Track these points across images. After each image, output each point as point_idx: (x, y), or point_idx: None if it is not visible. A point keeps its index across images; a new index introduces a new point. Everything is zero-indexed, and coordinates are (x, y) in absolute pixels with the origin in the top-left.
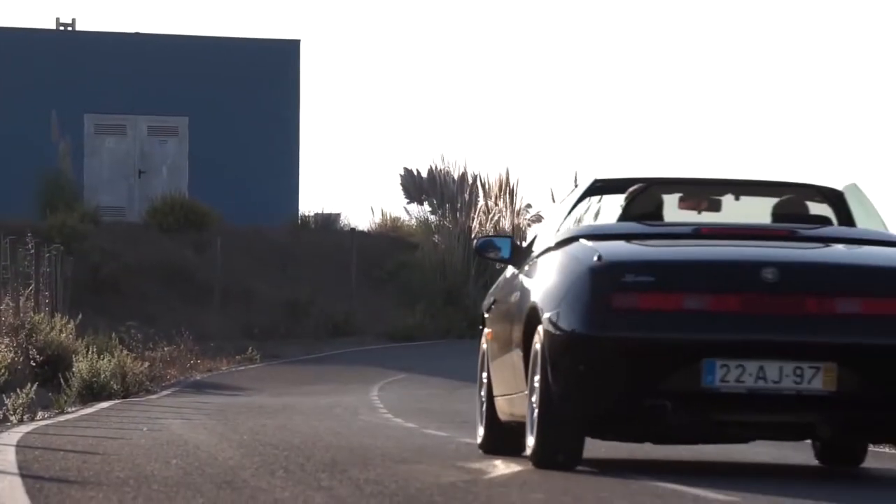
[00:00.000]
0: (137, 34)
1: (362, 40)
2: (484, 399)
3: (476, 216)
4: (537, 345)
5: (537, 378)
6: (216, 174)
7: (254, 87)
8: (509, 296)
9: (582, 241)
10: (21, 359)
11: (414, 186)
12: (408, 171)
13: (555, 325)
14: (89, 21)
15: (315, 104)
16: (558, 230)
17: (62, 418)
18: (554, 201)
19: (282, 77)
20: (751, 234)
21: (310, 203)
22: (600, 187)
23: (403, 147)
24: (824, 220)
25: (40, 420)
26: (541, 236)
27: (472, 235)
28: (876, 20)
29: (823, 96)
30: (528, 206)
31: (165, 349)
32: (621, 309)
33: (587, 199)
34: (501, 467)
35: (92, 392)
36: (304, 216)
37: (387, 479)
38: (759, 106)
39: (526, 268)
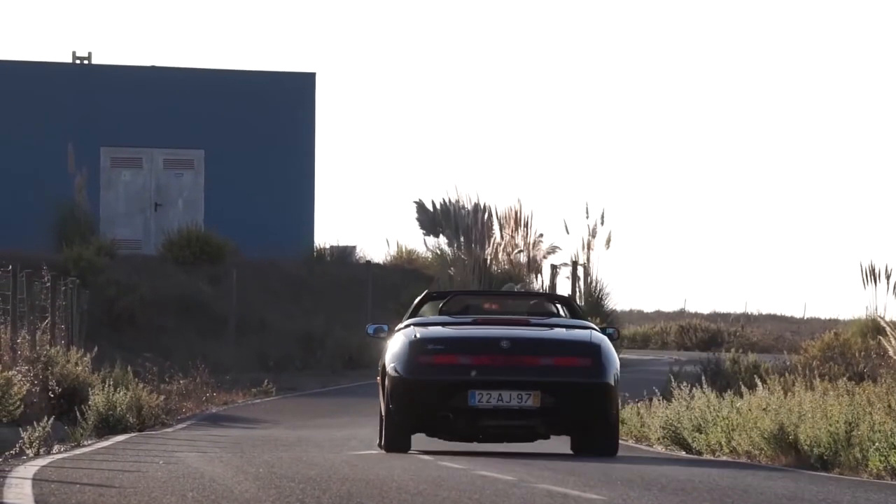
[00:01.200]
0: (154, 67)
1: (377, 73)
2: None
3: (491, 248)
4: (386, 382)
5: (384, 402)
6: (232, 207)
7: (269, 120)
8: (383, 356)
9: (411, 326)
10: (38, 391)
11: (428, 219)
12: (421, 204)
13: (393, 371)
14: (106, 54)
15: (330, 137)
16: (404, 320)
17: (78, 451)
18: (568, 232)
19: (297, 110)
20: (503, 322)
21: (325, 235)
22: (434, 296)
23: (418, 179)
24: (550, 314)
25: (56, 453)
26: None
27: (488, 267)
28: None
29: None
30: (541, 235)
31: (181, 382)
32: (424, 363)
33: (426, 304)
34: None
35: (108, 425)
36: (320, 248)
37: None
38: (772, 136)
39: (388, 342)
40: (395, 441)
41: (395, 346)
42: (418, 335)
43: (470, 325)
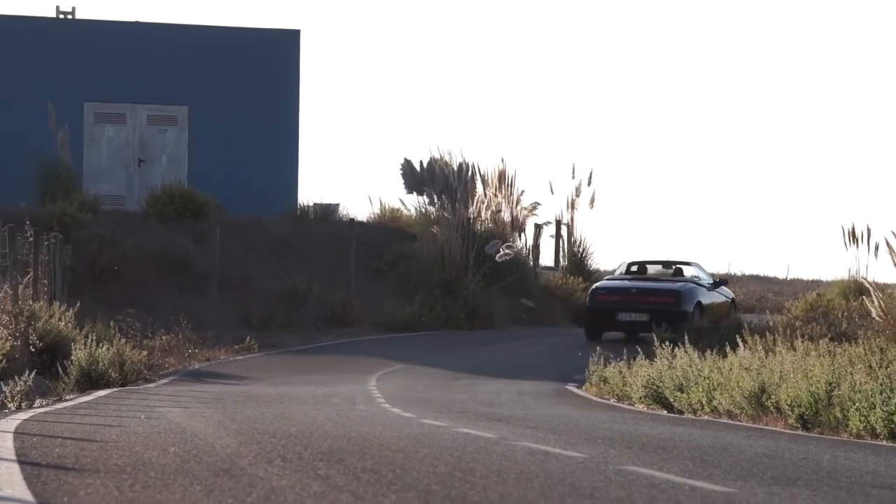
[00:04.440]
0: (138, 23)
1: (362, 31)
2: None
3: (475, 207)
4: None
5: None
6: (215, 164)
7: (254, 77)
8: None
9: (599, 281)
10: (20, 346)
11: (413, 177)
12: (408, 162)
13: (587, 301)
14: (89, 9)
15: (314, 95)
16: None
17: (60, 406)
18: (552, 192)
19: (281, 67)
20: (638, 279)
21: (309, 193)
22: (629, 264)
23: (402, 138)
24: (679, 273)
25: (38, 407)
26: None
27: (471, 226)
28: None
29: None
30: (522, 192)
31: (164, 338)
32: (598, 299)
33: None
34: (495, 455)
35: (90, 380)
36: (303, 206)
37: (384, 467)
38: (756, 97)
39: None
40: (591, 335)
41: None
42: (595, 286)
43: (620, 281)
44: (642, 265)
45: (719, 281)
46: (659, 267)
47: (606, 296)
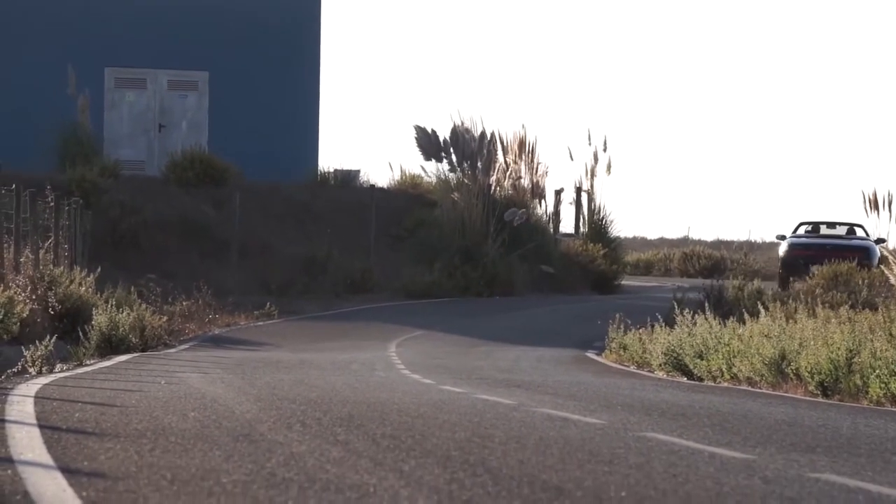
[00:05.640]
0: None
1: None
2: None
3: (495, 174)
4: (782, 257)
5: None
6: (236, 129)
7: (274, 43)
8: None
9: (790, 237)
10: (40, 311)
11: (430, 144)
12: (422, 130)
13: (782, 252)
14: None
15: (335, 61)
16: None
17: (80, 371)
18: (572, 159)
19: (302, 33)
20: (826, 238)
21: (329, 160)
22: (803, 224)
23: (422, 104)
24: (854, 235)
25: (59, 372)
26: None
27: (492, 193)
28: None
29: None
30: (539, 163)
31: (184, 303)
32: (795, 251)
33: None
34: (513, 421)
35: (110, 345)
36: (324, 173)
37: (403, 433)
38: (774, 60)
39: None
40: (784, 285)
41: (782, 245)
42: (791, 241)
43: (811, 238)
44: (816, 225)
45: (878, 239)
46: (832, 228)
47: (803, 250)
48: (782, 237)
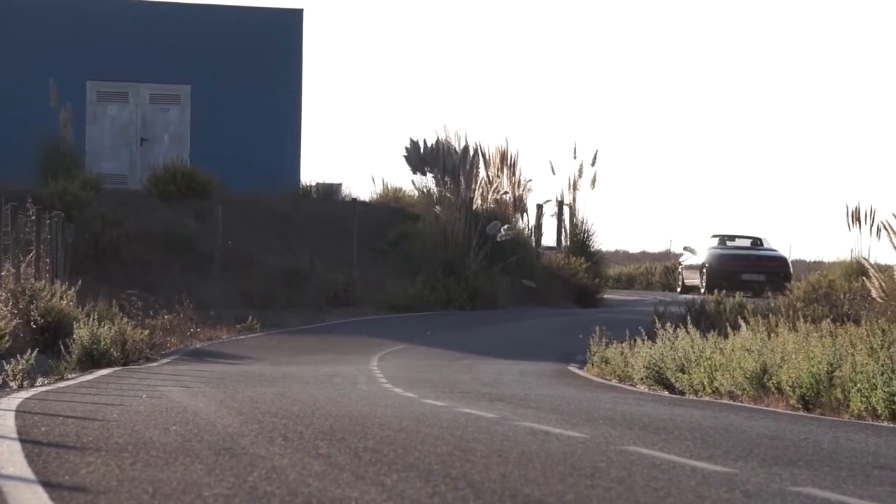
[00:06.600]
0: (141, 1)
1: (365, 11)
2: None
3: (478, 188)
4: (704, 270)
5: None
6: (218, 143)
7: (256, 55)
8: (695, 258)
9: (715, 249)
10: (21, 325)
11: (418, 157)
12: (413, 143)
13: (707, 263)
14: None
15: (317, 74)
16: (709, 247)
17: (62, 384)
18: (554, 173)
19: (284, 46)
20: (745, 249)
21: (311, 173)
22: (720, 237)
23: (405, 118)
24: (759, 245)
25: (40, 386)
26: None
27: (474, 207)
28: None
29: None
30: (522, 175)
31: (166, 317)
32: (724, 264)
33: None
34: (497, 435)
35: (92, 359)
36: (306, 185)
37: (385, 447)
38: (757, 76)
39: (699, 252)
40: (711, 291)
41: (706, 254)
42: (718, 252)
43: (734, 249)
44: (723, 238)
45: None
46: (742, 240)
47: (731, 260)
48: (690, 249)
